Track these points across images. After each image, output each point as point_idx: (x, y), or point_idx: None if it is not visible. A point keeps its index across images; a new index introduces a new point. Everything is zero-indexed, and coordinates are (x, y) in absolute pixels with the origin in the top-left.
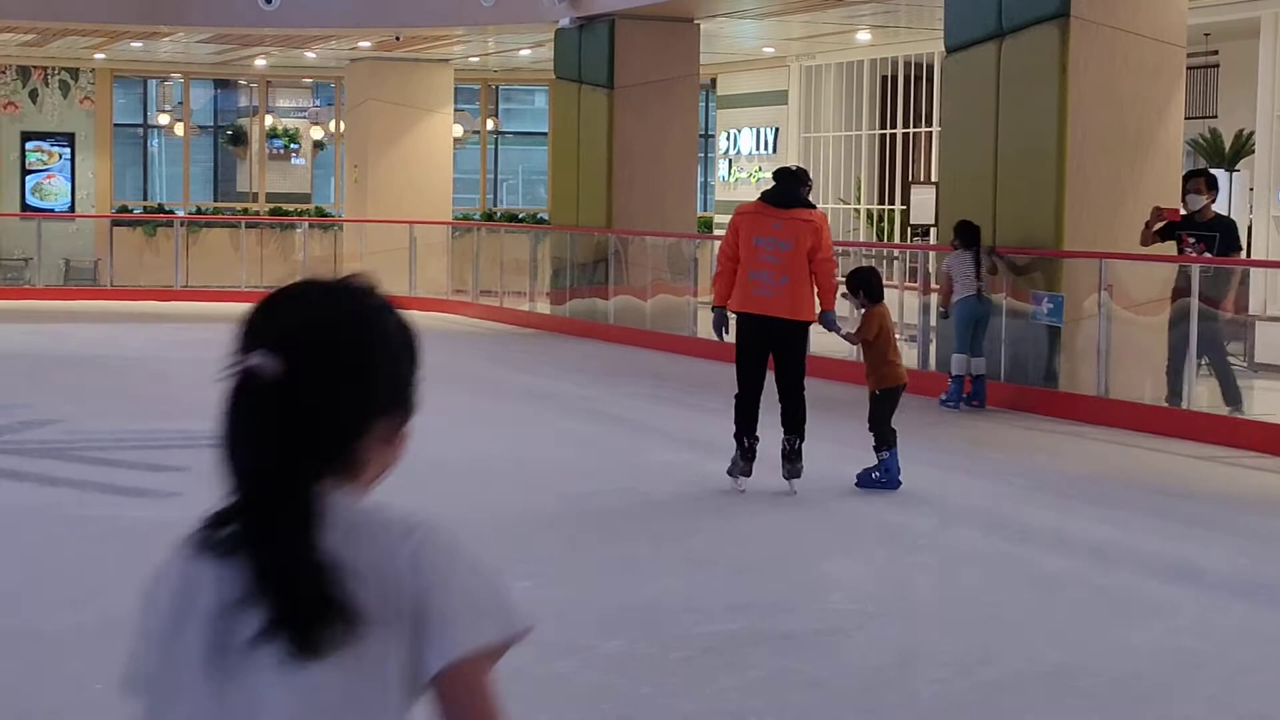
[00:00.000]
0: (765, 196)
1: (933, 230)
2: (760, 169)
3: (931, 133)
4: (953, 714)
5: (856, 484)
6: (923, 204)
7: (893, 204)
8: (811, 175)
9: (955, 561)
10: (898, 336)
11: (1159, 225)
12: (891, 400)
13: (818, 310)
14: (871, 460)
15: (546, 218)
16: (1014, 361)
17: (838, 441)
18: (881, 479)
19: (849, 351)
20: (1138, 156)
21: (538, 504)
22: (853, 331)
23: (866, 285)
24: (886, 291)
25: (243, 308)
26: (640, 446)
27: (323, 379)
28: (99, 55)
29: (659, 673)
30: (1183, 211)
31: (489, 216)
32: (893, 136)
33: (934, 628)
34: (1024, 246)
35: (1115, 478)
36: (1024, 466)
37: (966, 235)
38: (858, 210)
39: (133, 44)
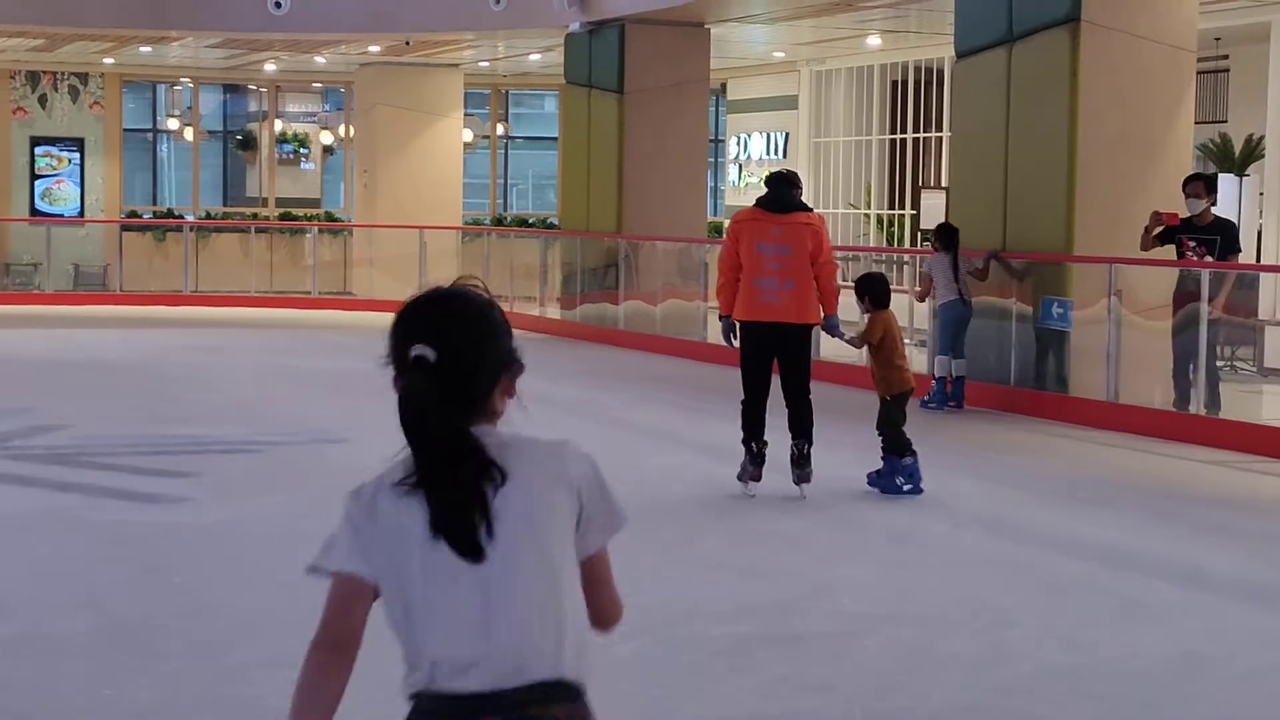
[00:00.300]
0: (762, 203)
1: None
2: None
3: (942, 138)
4: (963, 717)
5: (870, 485)
6: (933, 209)
7: (903, 209)
8: (822, 180)
9: (965, 565)
10: (908, 341)
11: (1158, 230)
12: (900, 405)
13: (821, 314)
14: (878, 464)
15: (557, 222)
16: (1022, 366)
17: (848, 446)
18: (905, 485)
19: (857, 356)
20: (1148, 161)
21: None
22: (855, 336)
23: (872, 291)
24: (897, 297)
25: (253, 313)
26: (650, 450)
27: (462, 359)
28: (108, 60)
29: (669, 676)
30: (1182, 216)
31: (499, 221)
32: (903, 141)
33: (944, 631)
34: (1034, 251)
35: (1124, 482)
36: (1033, 470)
37: (946, 238)
38: (868, 215)
39: (142, 49)
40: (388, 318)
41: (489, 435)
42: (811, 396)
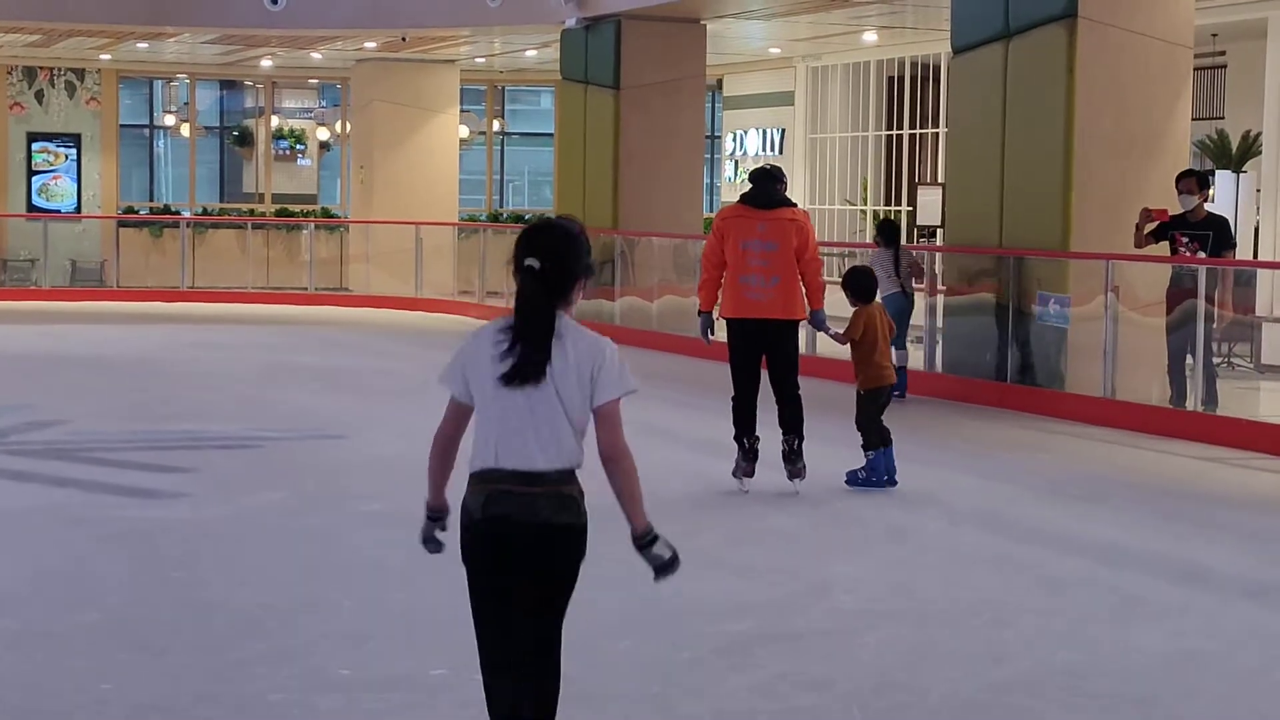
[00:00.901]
0: (746, 199)
1: (939, 231)
2: None
3: (938, 134)
4: (962, 714)
5: (846, 483)
6: (929, 205)
7: (899, 205)
8: (818, 177)
9: (963, 562)
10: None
11: (1150, 226)
12: (876, 400)
13: (807, 310)
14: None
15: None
16: (1018, 362)
17: (844, 442)
18: (870, 478)
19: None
20: (1145, 157)
21: None
22: (839, 332)
23: (855, 285)
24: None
25: (250, 309)
26: (646, 447)
27: (557, 268)
28: (105, 56)
29: (668, 673)
30: (1174, 212)
31: (495, 217)
32: (899, 137)
33: (943, 628)
34: (1031, 247)
35: (1122, 479)
36: (1031, 467)
37: (887, 234)
38: (864, 211)
39: (139, 45)
40: (384, 314)
41: (563, 319)
42: (800, 392)
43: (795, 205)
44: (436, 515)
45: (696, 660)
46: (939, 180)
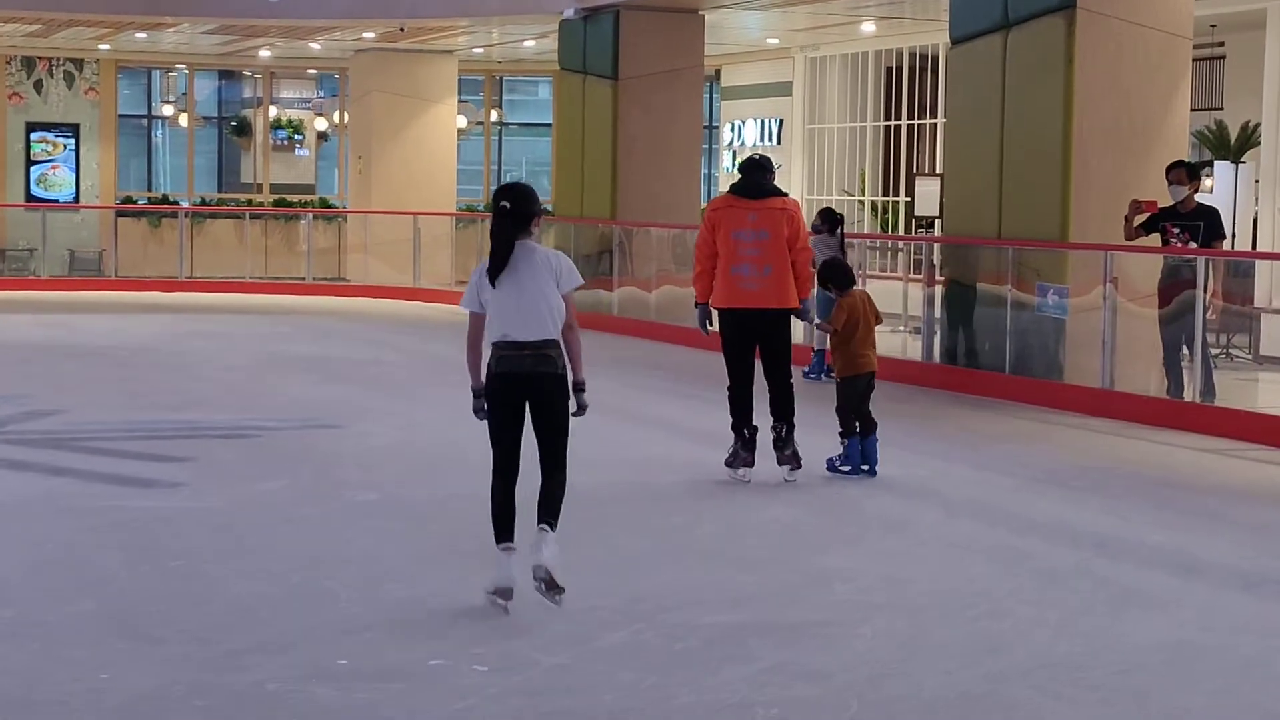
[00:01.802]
0: (736, 189)
1: (938, 222)
2: None
3: (936, 124)
4: (958, 705)
5: (826, 470)
6: (927, 195)
7: (897, 195)
8: (817, 167)
9: (959, 553)
10: (902, 329)
11: (1140, 218)
12: (853, 387)
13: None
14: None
15: (550, 209)
16: (1018, 354)
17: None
18: (843, 466)
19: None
20: (1143, 148)
21: (534, 495)
22: (824, 321)
23: (834, 277)
24: (891, 283)
25: (248, 299)
26: (643, 438)
27: (521, 208)
28: (103, 46)
29: (663, 664)
30: (1161, 204)
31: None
32: (898, 128)
33: (939, 619)
34: (1029, 238)
35: (1119, 470)
36: (1028, 458)
37: (829, 221)
38: (862, 202)
39: (137, 35)
40: (382, 304)
41: (526, 243)
42: (793, 380)
43: (785, 194)
44: (478, 393)
45: (691, 651)
46: (937, 171)
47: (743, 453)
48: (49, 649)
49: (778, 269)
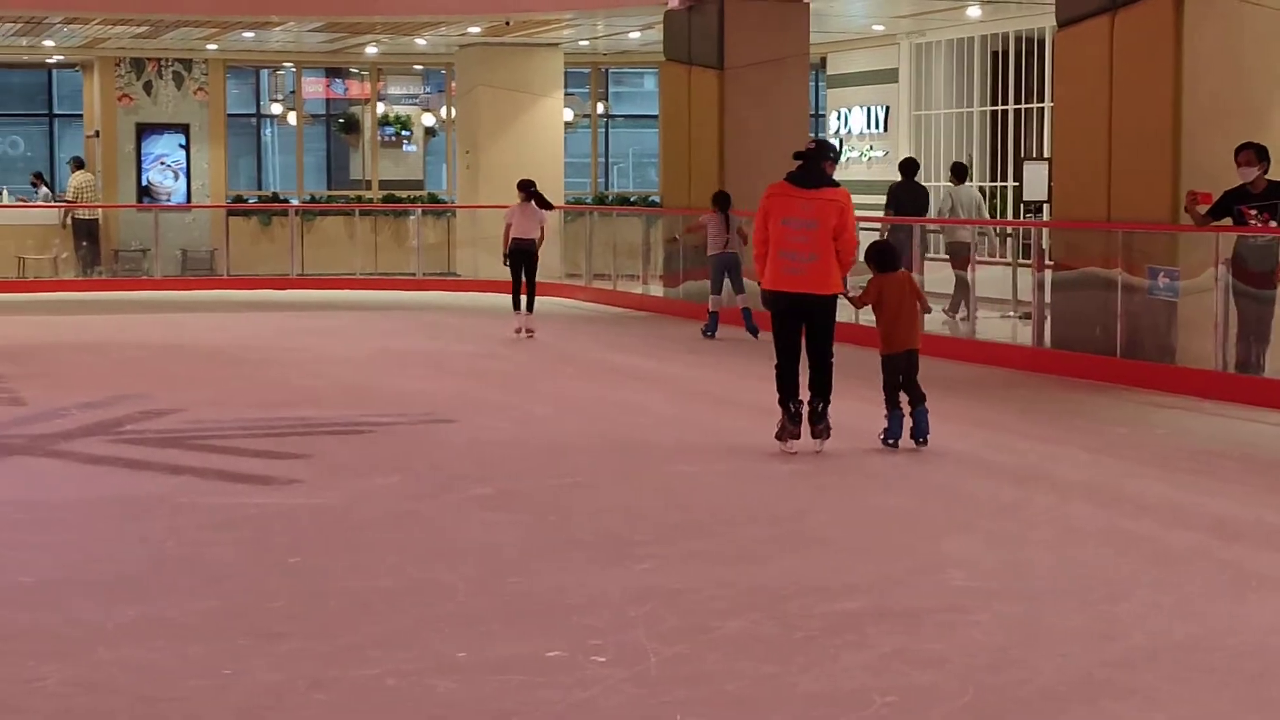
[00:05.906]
0: (791, 178)
1: (1046, 206)
2: (871, 148)
3: (1044, 108)
4: (1077, 690)
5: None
6: (1036, 180)
7: (1005, 181)
8: (924, 153)
9: (1074, 537)
10: (1011, 314)
11: (1201, 208)
12: (893, 365)
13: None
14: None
15: (658, 200)
16: (1128, 336)
17: (949, 419)
18: (888, 440)
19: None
20: (1256, 128)
21: (647, 486)
22: (854, 295)
23: (876, 258)
24: (998, 269)
25: (359, 295)
26: (756, 428)
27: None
28: (211, 46)
29: (782, 653)
30: (1229, 188)
31: (601, 200)
32: (1004, 113)
33: (1055, 604)
34: (1139, 221)
35: (1234, 452)
36: (1141, 441)
37: (721, 202)
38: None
39: (244, 34)
40: (493, 298)
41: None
42: (834, 359)
43: (839, 185)
44: None
45: (809, 639)
46: (1045, 155)
47: (790, 425)
48: (172, 646)
49: (823, 257)
